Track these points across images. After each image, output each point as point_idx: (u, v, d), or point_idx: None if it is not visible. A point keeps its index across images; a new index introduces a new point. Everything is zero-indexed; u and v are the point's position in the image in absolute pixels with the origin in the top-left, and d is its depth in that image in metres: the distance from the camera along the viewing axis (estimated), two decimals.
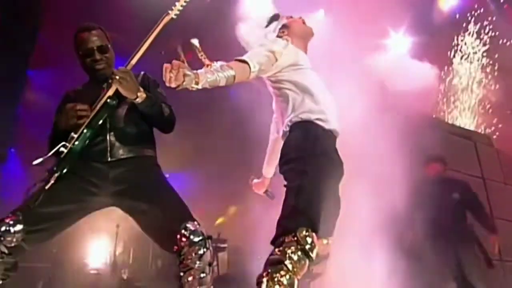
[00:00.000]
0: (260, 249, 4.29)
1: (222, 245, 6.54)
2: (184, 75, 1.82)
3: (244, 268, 5.39)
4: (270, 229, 4.19)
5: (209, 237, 2.10)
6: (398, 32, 7.05)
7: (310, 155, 2.05)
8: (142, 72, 2.36)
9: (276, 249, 1.89)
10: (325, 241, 2.16)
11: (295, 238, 1.86)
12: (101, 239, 6.25)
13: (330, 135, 2.24)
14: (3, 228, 1.92)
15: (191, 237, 2.02)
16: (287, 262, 1.83)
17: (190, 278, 1.98)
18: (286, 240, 1.89)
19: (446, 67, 8.67)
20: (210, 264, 2.06)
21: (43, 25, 5.70)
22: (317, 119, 2.18)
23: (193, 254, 2.01)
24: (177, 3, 2.17)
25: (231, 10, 5.79)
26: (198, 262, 2.00)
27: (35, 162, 2.07)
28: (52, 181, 2.00)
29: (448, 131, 6.32)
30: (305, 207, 1.94)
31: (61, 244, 5.64)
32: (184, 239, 2.02)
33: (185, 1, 2.17)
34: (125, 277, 5.57)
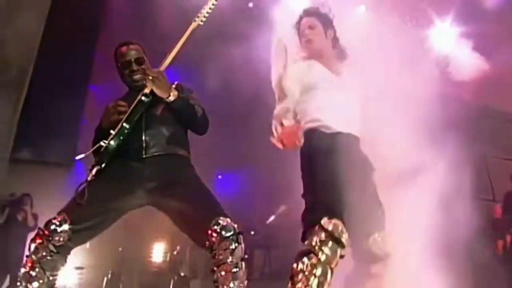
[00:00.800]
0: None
1: (273, 243, 6.65)
2: None
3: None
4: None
5: (241, 233, 2.10)
6: (445, 21, 6.77)
7: (316, 155, 2.15)
8: (176, 82, 2.47)
9: (305, 242, 1.93)
10: (375, 236, 2.13)
11: (321, 228, 1.90)
12: (161, 239, 6.59)
13: (336, 137, 2.26)
14: (51, 227, 2.02)
15: (222, 232, 2.04)
16: (317, 251, 1.86)
17: (223, 273, 2.00)
18: (312, 231, 1.93)
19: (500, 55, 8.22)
20: (242, 259, 2.06)
21: (100, 43, 6.10)
22: (320, 126, 2.26)
23: (225, 249, 2.02)
24: (202, 11, 2.31)
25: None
26: (230, 257, 2.01)
27: (78, 157, 2.22)
28: (92, 174, 2.13)
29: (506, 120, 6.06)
30: (322, 199, 2.01)
31: (125, 244, 6.03)
32: (215, 234, 2.04)
33: (210, 8, 2.31)
34: (182, 274, 5.83)
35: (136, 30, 5.86)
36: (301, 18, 2.47)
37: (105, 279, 5.66)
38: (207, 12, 2.31)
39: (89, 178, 2.13)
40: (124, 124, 2.20)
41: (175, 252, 6.34)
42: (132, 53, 2.42)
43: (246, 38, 4.94)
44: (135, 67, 2.41)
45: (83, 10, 5.54)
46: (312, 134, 2.24)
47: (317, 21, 2.44)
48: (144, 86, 2.31)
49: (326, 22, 2.45)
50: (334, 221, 1.94)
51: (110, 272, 5.80)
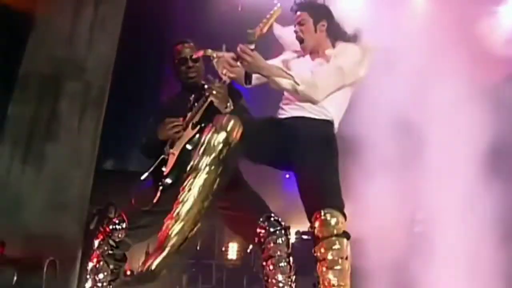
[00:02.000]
0: (384, 240, 4.31)
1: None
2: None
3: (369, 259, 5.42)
4: (391, 221, 4.17)
5: (288, 227, 2.15)
6: None
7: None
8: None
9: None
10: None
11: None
12: (235, 239, 6.85)
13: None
14: (111, 226, 2.21)
15: (270, 227, 2.08)
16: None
17: (271, 267, 2.03)
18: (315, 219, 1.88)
19: None
20: (290, 254, 2.08)
21: (168, 56, 6.51)
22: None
23: (272, 244, 2.05)
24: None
25: None
26: (278, 252, 2.04)
27: (143, 177, 2.30)
28: (158, 195, 2.18)
29: None
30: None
31: (203, 242, 6.36)
32: (263, 230, 2.09)
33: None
34: (254, 270, 6.01)
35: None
36: (293, 11, 2.29)
37: (184, 276, 6.01)
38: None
39: (154, 201, 2.20)
40: (187, 146, 2.23)
41: (248, 250, 6.55)
42: (187, 51, 2.49)
43: None
44: (191, 63, 2.48)
45: (151, 29, 5.97)
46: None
47: (308, 16, 2.23)
48: (197, 87, 2.39)
49: (318, 14, 2.25)
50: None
51: (188, 270, 6.15)
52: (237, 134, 1.86)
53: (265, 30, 2.02)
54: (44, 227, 4.50)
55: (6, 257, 3.30)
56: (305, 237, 6.35)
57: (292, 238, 6.02)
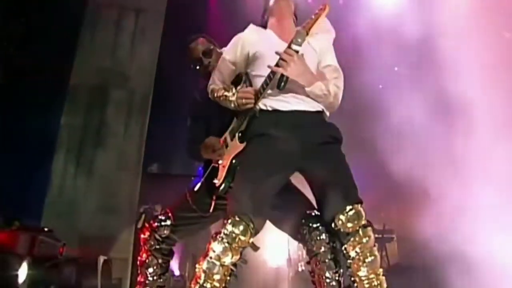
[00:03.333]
0: (428, 236, 4.21)
1: (390, 236, 6.49)
2: None
3: (414, 257, 5.31)
4: (433, 217, 4.07)
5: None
6: None
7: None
8: None
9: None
10: None
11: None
12: (279, 237, 6.88)
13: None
14: (156, 223, 2.26)
15: (311, 223, 2.07)
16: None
17: (317, 264, 2.02)
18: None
19: None
20: (334, 248, 2.05)
21: None
22: None
23: (315, 240, 2.04)
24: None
25: None
26: (322, 248, 2.03)
27: (196, 188, 2.31)
28: (213, 204, 2.23)
29: None
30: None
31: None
32: (305, 227, 2.07)
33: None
34: (300, 269, 6.01)
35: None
36: None
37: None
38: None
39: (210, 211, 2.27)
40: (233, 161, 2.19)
41: (291, 251, 6.56)
42: (199, 48, 2.44)
43: None
44: (205, 60, 2.43)
45: (189, 36, 6.12)
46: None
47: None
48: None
49: None
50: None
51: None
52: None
53: (313, 30, 1.92)
54: (97, 228, 4.72)
55: (65, 257, 3.45)
56: None
57: None
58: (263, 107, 2.02)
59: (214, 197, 2.23)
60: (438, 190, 4.16)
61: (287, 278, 6.15)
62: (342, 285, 2.04)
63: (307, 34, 1.90)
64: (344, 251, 1.87)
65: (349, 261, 1.86)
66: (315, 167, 1.94)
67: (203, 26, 6.31)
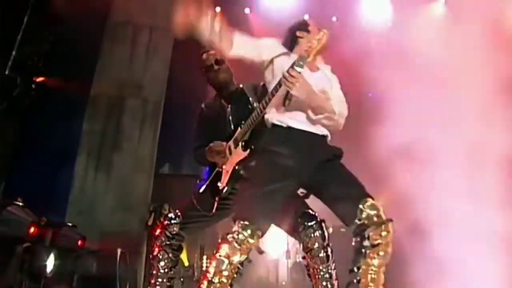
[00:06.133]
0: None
1: None
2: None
3: None
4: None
5: (322, 221, 2.18)
6: None
7: None
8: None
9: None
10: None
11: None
12: (279, 230, 7.05)
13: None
14: (167, 221, 2.36)
15: (306, 222, 2.15)
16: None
17: (312, 258, 2.11)
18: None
19: None
20: (327, 245, 2.14)
21: None
22: None
23: (310, 237, 2.11)
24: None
25: None
26: (315, 244, 2.10)
27: (201, 190, 2.43)
28: (215, 205, 2.32)
29: None
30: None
31: None
32: (301, 225, 2.14)
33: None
34: (298, 260, 6.19)
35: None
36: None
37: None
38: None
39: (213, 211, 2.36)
40: (237, 167, 2.27)
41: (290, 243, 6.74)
42: (211, 58, 2.48)
43: None
44: (216, 67, 2.47)
45: (197, 49, 6.31)
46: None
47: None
48: (228, 87, 2.49)
49: None
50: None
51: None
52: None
53: (313, 55, 1.95)
54: (114, 225, 4.93)
55: (86, 249, 3.65)
56: (342, 230, 6.49)
57: (330, 230, 6.19)
58: (277, 123, 2.07)
59: (217, 199, 2.33)
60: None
61: (286, 268, 6.32)
62: (334, 277, 2.14)
63: (308, 57, 1.94)
64: (365, 239, 1.89)
65: (366, 248, 1.88)
66: (323, 180, 2.02)
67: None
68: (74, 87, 5.21)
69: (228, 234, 1.86)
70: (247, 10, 6.62)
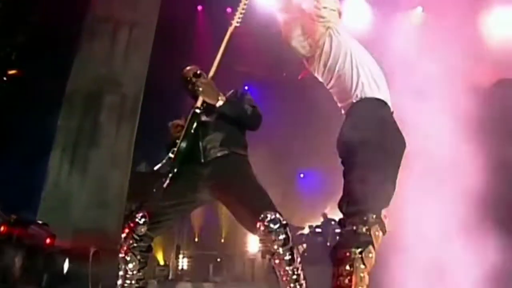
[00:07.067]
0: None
1: None
2: None
3: None
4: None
5: (286, 224, 2.15)
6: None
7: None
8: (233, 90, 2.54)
9: (364, 228, 1.70)
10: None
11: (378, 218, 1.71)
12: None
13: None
14: (133, 223, 2.24)
15: (270, 225, 2.08)
16: (374, 242, 1.69)
17: (277, 261, 2.07)
18: (370, 219, 1.71)
19: None
20: (291, 248, 2.10)
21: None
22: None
23: (273, 241, 2.07)
24: (236, 13, 2.34)
25: None
26: (280, 248, 2.06)
27: (155, 168, 2.40)
28: (167, 181, 2.27)
29: None
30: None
31: (227, 235, 6.60)
32: (263, 227, 2.09)
33: (242, 9, 2.34)
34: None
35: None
36: None
37: (211, 265, 6.25)
38: (241, 13, 2.36)
39: (164, 185, 2.31)
40: (183, 141, 2.31)
41: None
42: (191, 72, 2.53)
43: None
44: (194, 79, 2.50)
45: (177, 47, 6.23)
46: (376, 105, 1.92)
47: None
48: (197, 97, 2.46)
49: None
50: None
51: (215, 259, 6.38)
52: None
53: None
54: (89, 222, 4.78)
55: (58, 248, 3.52)
56: (318, 230, 6.53)
57: (306, 231, 6.21)
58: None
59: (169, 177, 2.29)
60: None
61: (262, 267, 6.32)
62: (301, 278, 2.09)
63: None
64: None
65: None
66: None
67: (190, 39, 6.43)
68: (50, 81, 5.03)
69: None
70: (229, 10, 6.55)
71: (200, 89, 2.28)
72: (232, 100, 2.39)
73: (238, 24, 2.38)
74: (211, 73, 2.37)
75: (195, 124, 2.35)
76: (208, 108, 2.42)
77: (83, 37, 5.38)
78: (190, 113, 2.36)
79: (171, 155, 2.35)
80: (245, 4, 2.37)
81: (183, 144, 2.31)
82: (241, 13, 2.37)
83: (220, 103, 2.30)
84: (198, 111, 2.34)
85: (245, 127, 2.50)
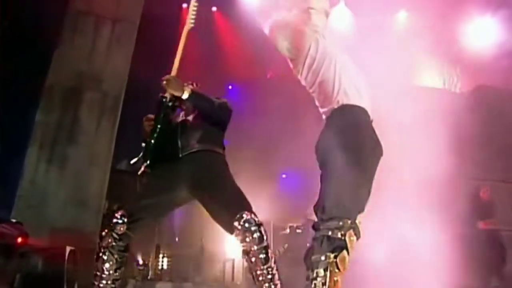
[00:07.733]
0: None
1: None
2: None
3: None
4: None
5: (261, 224, 2.18)
6: (485, 15, 6.24)
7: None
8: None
9: (339, 233, 1.69)
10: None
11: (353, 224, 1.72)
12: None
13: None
14: (114, 220, 2.27)
15: (246, 224, 2.13)
16: (349, 247, 1.69)
17: (253, 259, 2.13)
18: (345, 224, 1.71)
19: None
20: (266, 247, 2.15)
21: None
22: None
23: (249, 240, 2.12)
24: (189, 14, 2.44)
25: None
26: (255, 246, 2.11)
27: (132, 162, 2.43)
28: (145, 178, 2.35)
29: None
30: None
31: (205, 235, 6.52)
32: (239, 226, 2.13)
33: (193, 10, 2.44)
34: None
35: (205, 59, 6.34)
36: None
37: (191, 265, 6.17)
38: (193, 14, 2.44)
39: (143, 182, 2.39)
40: (157, 126, 2.36)
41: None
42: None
43: None
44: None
45: (160, 44, 6.13)
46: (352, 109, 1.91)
47: None
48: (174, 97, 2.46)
49: None
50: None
51: (196, 259, 6.30)
52: None
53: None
54: (66, 220, 4.64)
55: (32, 246, 3.40)
56: (298, 231, 6.52)
57: (287, 231, 6.19)
58: None
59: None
60: None
61: (242, 268, 6.27)
62: (276, 278, 2.14)
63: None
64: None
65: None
66: None
67: (174, 37, 6.33)
68: (28, 76, 4.87)
69: None
70: (214, 8, 6.50)
71: (164, 82, 2.31)
72: (198, 92, 2.41)
73: (192, 25, 2.45)
74: (173, 73, 2.39)
75: (163, 114, 2.37)
76: (188, 108, 2.48)
77: (64, 31, 5.21)
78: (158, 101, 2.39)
79: (143, 144, 2.35)
80: (195, 6, 2.44)
81: (154, 134, 2.32)
82: (193, 14, 2.43)
83: (186, 95, 2.32)
84: (164, 99, 2.38)
85: (217, 120, 2.50)
